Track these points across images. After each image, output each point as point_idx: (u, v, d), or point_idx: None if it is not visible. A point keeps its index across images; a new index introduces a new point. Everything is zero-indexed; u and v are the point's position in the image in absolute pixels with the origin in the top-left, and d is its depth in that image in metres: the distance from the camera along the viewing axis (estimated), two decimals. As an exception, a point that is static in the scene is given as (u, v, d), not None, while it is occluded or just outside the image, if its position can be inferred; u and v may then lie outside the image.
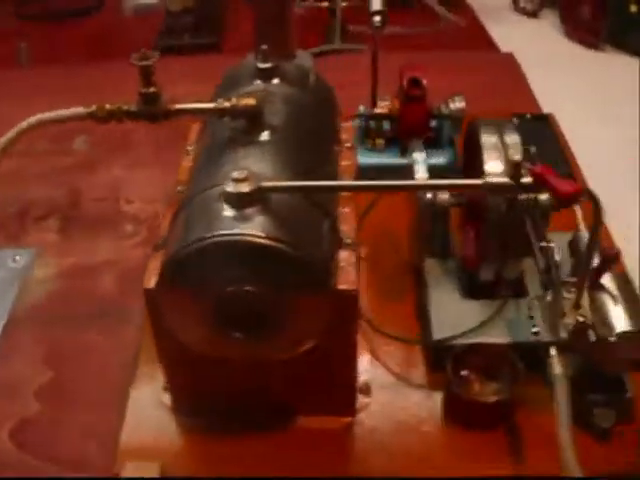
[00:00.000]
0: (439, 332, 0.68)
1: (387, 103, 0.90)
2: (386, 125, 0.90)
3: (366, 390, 0.68)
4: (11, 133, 0.60)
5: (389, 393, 0.68)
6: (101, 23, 1.60)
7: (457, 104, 0.87)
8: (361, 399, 0.67)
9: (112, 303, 0.80)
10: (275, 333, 0.56)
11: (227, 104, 0.60)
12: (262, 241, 0.52)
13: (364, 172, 0.88)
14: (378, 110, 0.89)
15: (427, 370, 0.70)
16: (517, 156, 0.52)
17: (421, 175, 0.69)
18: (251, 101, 0.60)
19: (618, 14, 1.50)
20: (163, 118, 0.61)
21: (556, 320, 0.61)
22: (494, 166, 0.64)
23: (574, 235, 0.69)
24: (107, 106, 0.60)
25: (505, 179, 0.54)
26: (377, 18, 0.80)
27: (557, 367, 0.59)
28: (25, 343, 0.76)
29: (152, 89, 0.60)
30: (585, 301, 0.61)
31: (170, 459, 0.63)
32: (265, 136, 0.61)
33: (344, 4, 1.48)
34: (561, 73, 1.48)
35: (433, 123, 0.90)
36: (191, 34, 1.49)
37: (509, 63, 1.24)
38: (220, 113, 0.60)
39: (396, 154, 0.89)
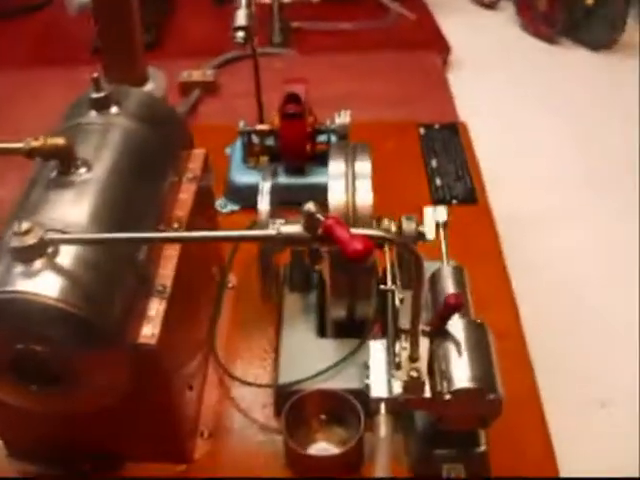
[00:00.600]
0: (285, 375, 0.66)
1: (274, 118, 0.86)
2: (270, 142, 0.86)
3: (207, 435, 0.66)
4: None
5: (233, 437, 0.66)
6: (45, 21, 1.57)
7: (342, 119, 0.84)
8: (200, 444, 0.65)
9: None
10: (71, 388, 0.53)
11: (35, 144, 0.57)
12: (42, 299, 0.50)
13: (240, 192, 0.86)
14: (260, 127, 0.86)
15: (274, 413, 0.67)
16: (311, 206, 0.48)
17: (262, 207, 0.64)
18: (60, 141, 0.57)
19: (574, 7, 1.45)
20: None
21: (391, 373, 0.57)
22: (337, 198, 0.61)
23: (435, 270, 0.65)
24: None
25: (299, 230, 0.50)
26: (240, 34, 0.76)
27: (382, 428, 0.55)
28: None
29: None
30: (424, 351, 0.56)
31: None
32: (79, 177, 0.58)
33: (286, 0, 1.43)
34: (512, 67, 1.44)
35: (323, 138, 0.86)
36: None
37: (433, 66, 1.20)
38: (29, 154, 0.57)
39: (282, 173, 0.86)
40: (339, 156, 0.65)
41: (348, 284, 0.64)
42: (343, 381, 0.64)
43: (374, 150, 0.89)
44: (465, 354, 0.56)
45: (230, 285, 0.76)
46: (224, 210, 0.88)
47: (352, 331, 0.67)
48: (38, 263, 0.51)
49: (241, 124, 0.86)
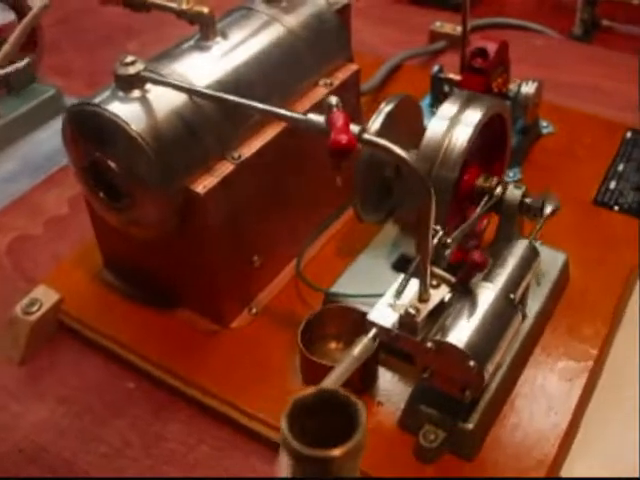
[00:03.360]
0: (338, 286, 0.69)
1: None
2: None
3: (255, 312, 0.70)
4: None
5: (275, 326, 0.69)
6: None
7: (528, 88, 0.82)
8: (244, 316, 0.70)
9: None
10: (128, 208, 0.62)
11: (183, 7, 0.66)
12: (125, 127, 0.58)
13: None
14: (451, 75, 0.87)
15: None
16: (333, 98, 0.50)
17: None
18: (203, 9, 0.65)
19: None
20: (142, 9, 0.68)
21: (393, 303, 0.57)
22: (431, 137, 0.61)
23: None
24: (99, -15, 0.70)
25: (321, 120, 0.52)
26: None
27: (358, 348, 0.54)
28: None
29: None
30: (437, 298, 0.56)
31: (74, 296, 0.73)
32: (213, 44, 0.66)
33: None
34: None
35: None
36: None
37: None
38: (178, 14, 0.66)
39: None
40: (455, 100, 0.64)
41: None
42: (360, 304, 0.65)
43: (572, 140, 0.88)
44: (475, 320, 0.55)
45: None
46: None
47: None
48: (135, 92, 0.60)
49: (435, 68, 0.88)
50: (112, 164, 0.60)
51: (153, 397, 0.66)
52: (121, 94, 0.60)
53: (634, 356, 0.68)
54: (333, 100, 0.51)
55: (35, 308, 0.70)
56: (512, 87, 0.83)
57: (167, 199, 0.61)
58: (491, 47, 0.82)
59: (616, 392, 0.66)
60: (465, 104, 0.64)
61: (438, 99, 0.88)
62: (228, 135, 0.64)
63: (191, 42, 0.67)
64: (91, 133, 0.61)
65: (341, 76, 0.73)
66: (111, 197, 0.62)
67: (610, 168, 0.86)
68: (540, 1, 1.51)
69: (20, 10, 0.99)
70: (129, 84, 0.60)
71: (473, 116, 0.63)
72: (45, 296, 0.71)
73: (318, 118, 0.53)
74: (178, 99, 0.61)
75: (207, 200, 0.61)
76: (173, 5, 0.66)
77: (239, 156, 0.63)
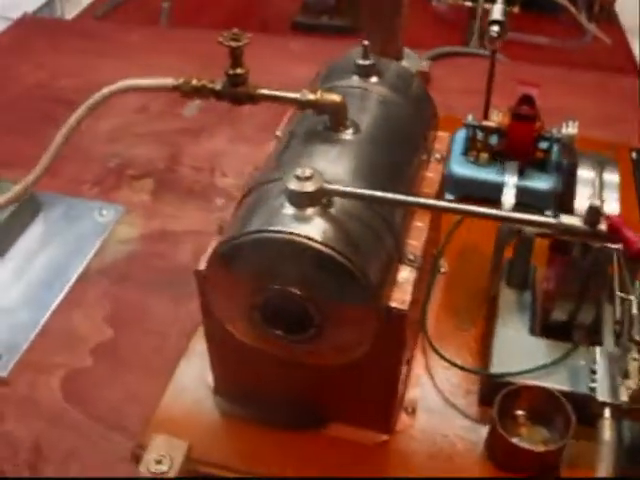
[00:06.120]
0: (498, 365, 0.65)
1: (499, 116, 0.86)
2: (494, 140, 0.86)
3: (411, 410, 0.66)
4: (97, 96, 0.61)
5: (434, 417, 0.66)
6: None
7: (569, 129, 0.82)
8: (404, 418, 0.65)
9: (185, 273, 0.80)
10: (315, 338, 0.54)
11: (311, 97, 0.59)
12: (315, 245, 0.51)
13: (458, 183, 0.86)
14: (487, 123, 0.85)
15: (479, 401, 0.67)
16: (596, 200, 0.48)
17: (507, 199, 0.65)
18: (336, 97, 0.58)
19: None
20: (247, 101, 0.60)
21: (618, 380, 0.56)
22: (583, 204, 0.60)
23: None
24: (194, 81, 0.60)
25: (579, 222, 0.50)
26: (494, 28, 0.76)
27: (607, 432, 0.55)
28: (91, 299, 0.78)
29: (239, 71, 0.59)
30: None
31: (198, 439, 0.63)
32: (346, 135, 0.59)
33: (487, 5, 1.43)
34: None
35: (544, 145, 0.85)
36: (330, 16, 1.48)
37: (633, 90, 1.16)
38: (302, 105, 0.59)
39: (497, 171, 0.85)
40: (588, 164, 0.64)
41: (579, 287, 0.63)
42: (554, 382, 0.63)
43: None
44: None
45: (442, 270, 0.77)
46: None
47: (560, 332, 0.66)
48: (311, 210, 0.52)
49: (469, 117, 0.86)
50: (301, 292, 0.52)
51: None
52: (298, 212, 0.52)
53: None
54: (597, 202, 0.48)
55: (166, 467, 0.59)
56: (554, 130, 0.83)
57: (370, 320, 0.54)
58: (535, 93, 0.81)
59: None
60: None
61: (472, 147, 0.87)
62: (399, 234, 0.58)
63: (318, 133, 0.60)
64: (271, 264, 0.52)
65: (441, 147, 0.70)
66: (290, 331, 0.55)
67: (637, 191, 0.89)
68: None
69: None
70: (308, 201, 0.52)
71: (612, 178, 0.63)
72: (170, 448, 0.61)
73: (574, 220, 0.49)
74: (357, 207, 0.54)
75: (406, 315, 0.55)
76: (294, 95, 0.59)
77: (414, 258, 0.58)
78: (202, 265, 0.56)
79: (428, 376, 0.69)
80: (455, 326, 0.73)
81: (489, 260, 0.76)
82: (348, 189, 0.53)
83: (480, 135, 0.86)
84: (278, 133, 0.69)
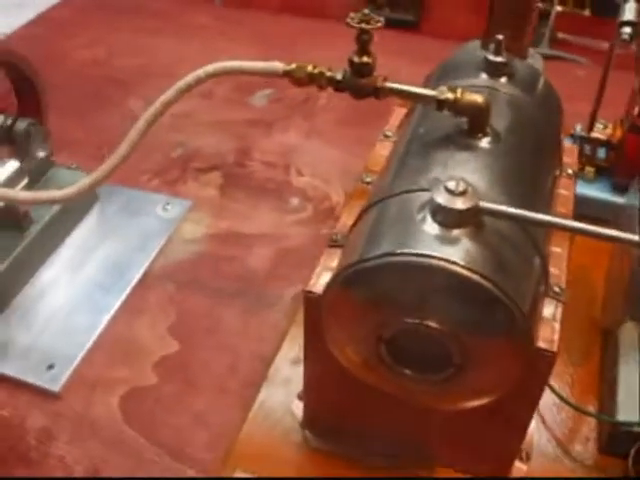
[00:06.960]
0: (625, 412, 0.57)
1: (606, 128, 0.78)
2: (601, 153, 0.78)
3: (526, 456, 0.58)
4: (189, 78, 0.52)
5: (548, 464, 0.59)
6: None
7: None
8: (517, 465, 0.57)
9: (259, 282, 0.72)
10: (452, 380, 0.46)
11: (450, 95, 0.50)
12: (465, 272, 0.42)
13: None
14: (595, 134, 0.77)
15: (597, 449, 0.59)
16: None
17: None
18: (477, 98, 0.50)
19: None
20: (371, 94, 0.52)
21: None
22: None
23: None
24: (309, 68, 0.52)
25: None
26: (626, 30, 0.67)
27: None
28: (155, 306, 0.70)
29: (366, 59, 0.51)
30: None
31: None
32: (486, 143, 0.51)
33: (559, 8, 1.34)
34: None
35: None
36: (391, 8, 1.40)
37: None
38: (440, 104, 0.51)
39: (607, 189, 0.77)
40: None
41: None
42: None
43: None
44: None
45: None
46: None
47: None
48: (458, 231, 0.44)
49: (578, 128, 0.78)
50: (441, 327, 0.44)
51: None
52: (445, 233, 0.44)
53: None
54: None
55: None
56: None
57: (518, 359, 0.45)
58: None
59: None
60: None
61: (580, 160, 0.78)
62: (547, 261, 0.50)
63: (452, 139, 0.51)
64: (406, 293, 0.44)
65: (571, 162, 0.61)
66: (421, 370, 0.46)
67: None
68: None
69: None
70: (458, 220, 0.44)
71: None
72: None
73: None
74: (509, 229, 0.46)
75: (555, 357, 0.47)
76: (432, 93, 0.51)
77: (560, 291, 0.49)
78: (317, 287, 0.48)
79: (537, 416, 0.61)
80: (564, 362, 0.65)
81: (597, 289, 0.69)
82: (509, 209, 0.45)
83: (587, 148, 0.78)
84: (388, 133, 0.61)
